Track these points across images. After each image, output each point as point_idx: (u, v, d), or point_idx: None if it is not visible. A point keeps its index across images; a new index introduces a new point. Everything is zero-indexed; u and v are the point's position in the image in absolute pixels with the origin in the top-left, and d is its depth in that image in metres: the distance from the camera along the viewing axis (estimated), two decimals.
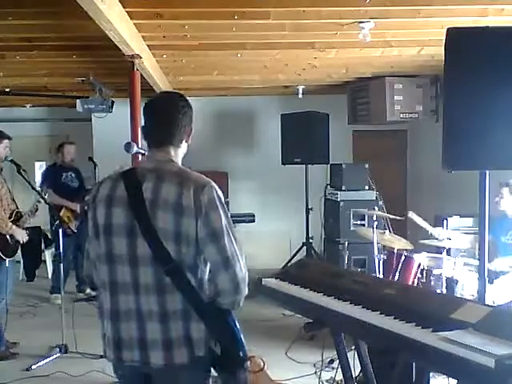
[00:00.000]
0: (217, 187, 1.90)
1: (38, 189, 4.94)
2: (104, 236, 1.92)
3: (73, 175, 6.63)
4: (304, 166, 7.05)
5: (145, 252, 1.85)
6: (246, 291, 1.89)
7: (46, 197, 4.89)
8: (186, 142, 2.08)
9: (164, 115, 2.01)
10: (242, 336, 1.93)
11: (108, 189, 1.95)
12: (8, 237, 4.60)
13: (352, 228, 6.21)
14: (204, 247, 1.84)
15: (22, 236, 4.74)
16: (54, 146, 7.00)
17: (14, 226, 4.63)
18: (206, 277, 1.91)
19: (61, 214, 6.13)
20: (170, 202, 1.84)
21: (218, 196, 1.88)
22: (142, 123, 2.07)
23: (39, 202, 4.79)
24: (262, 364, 2.95)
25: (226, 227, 1.86)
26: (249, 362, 1.95)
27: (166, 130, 2.00)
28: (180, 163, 2.06)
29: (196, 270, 1.87)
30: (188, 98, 2.16)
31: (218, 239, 1.83)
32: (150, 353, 1.88)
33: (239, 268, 1.86)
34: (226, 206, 1.90)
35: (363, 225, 6.16)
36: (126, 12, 3.70)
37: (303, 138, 6.88)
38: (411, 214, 4.86)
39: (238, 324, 1.95)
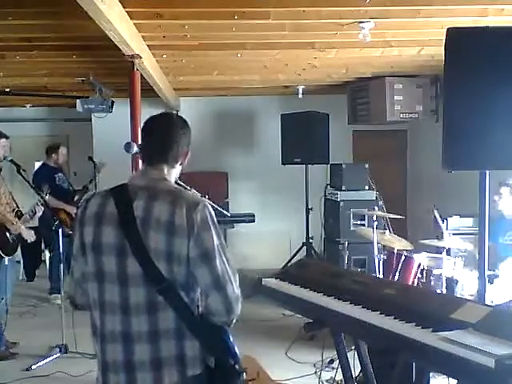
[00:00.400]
0: (210, 207, 1.87)
1: (40, 191, 4.84)
2: (92, 255, 1.86)
3: (63, 177, 6.59)
4: (304, 165, 7.05)
5: (135, 271, 1.80)
6: (238, 311, 1.86)
7: (46, 197, 4.83)
8: (181, 164, 2.03)
9: (162, 134, 1.98)
10: (236, 349, 1.92)
11: (97, 206, 1.89)
12: (8, 235, 4.60)
13: (352, 228, 6.21)
14: (195, 267, 1.80)
15: (30, 236, 4.74)
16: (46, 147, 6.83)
17: (22, 226, 4.63)
18: (198, 293, 1.88)
19: (60, 216, 6.10)
20: (162, 220, 1.79)
21: (211, 215, 1.84)
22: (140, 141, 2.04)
23: (38, 203, 4.73)
24: (256, 373, 2.95)
25: (218, 248, 1.82)
26: (244, 374, 1.91)
27: (162, 148, 1.96)
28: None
29: (188, 288, 1.84)
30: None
31: (209, 260, 1.80)
32: (137, 375, 1.82)
33: (231, 289, 1.83)
34: (218, 225, 1.86)
35: (363, 225, 6.16)
36: (126, 12, 3.70)
37: (303, 137, 6.88)
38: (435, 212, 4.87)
39: (231, 338, 1.93)
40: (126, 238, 1.81)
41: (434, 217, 4.86)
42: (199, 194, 3.21)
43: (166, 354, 1.82)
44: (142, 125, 2.04)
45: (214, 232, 1.83)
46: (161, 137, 1.98)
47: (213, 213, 1.86)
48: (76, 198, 6.48)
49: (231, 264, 1.86)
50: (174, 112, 2.08)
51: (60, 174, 6.54)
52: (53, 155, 6.58)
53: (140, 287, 1.81)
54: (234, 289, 1.84)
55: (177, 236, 1.78)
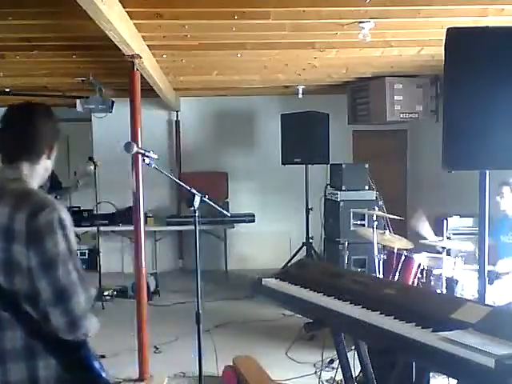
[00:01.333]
0: (62, 211, 1.67)
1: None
2: None
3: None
4: (304, 165, 7.05)
5: None
6: (87, 327, 1.66)
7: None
8: (48, 158, 1.82)
9: (20, 127, 1.79)
10: (99, 366, 1.75)
11: None
12: None
13: (352, 228, 6.21)
14: (36, 279, 1.61)
15: None
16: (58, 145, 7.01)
17: None
18: None
19: None
20: (0, 225, 1.62)
21: (60, 220, 1.64)
22: None
23: None
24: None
25: (64, 256, 1.62)
26: None
27: (19, 143, 1.77)
28: (38, 181, 1.82)
29: (36, 301, 1.63)
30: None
31: (51, 269, 1.60)
32: None
33: (76, 303, 1.62)
34: (69, 232, 1.67)
35: (363, 225, 6.17)
36: (126, 12, 3.69)
37: (303, 137, 6.89)
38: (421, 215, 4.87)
39: (92, 354, 1.74)
40: None
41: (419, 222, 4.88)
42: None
43: (17, 377, 1.65)
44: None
45: (60, 238, 1.63)
46: (18, 130, 1.79)
47: (65, 217, 1.67)
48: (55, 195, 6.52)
49: (81, 274, 1.67)
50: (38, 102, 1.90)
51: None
52: None
53: None
54: (81, 302, 1.63)
55: (15, 243, 1.61)
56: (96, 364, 1.74)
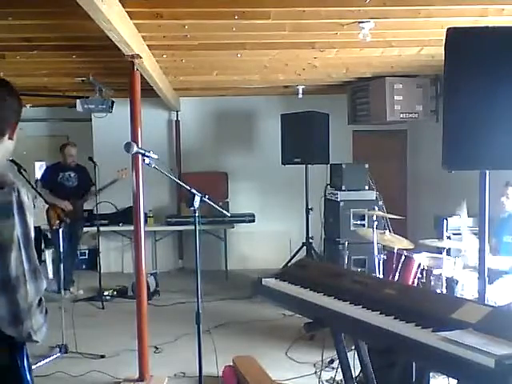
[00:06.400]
0: (23, 192, 1.55)
1: (38, 189, 4.96)
2: None
3: (71, 175, 6.74)
4: (304, 165, 7.05)
5: None
6: (34, 323, 1.54)
7: (42, 193, 4.90)
8: (10, 138, 1.69)
9: None
10: (30, 374, 1.63)
11: None
12: None
13: (352, 228, 6.21)
14: None
15: None
16: (57, 145, 7.13)
17: None
18: None
19: (51, 211, 6.22)
20: None
21: (20, 201, 1.53)
22: None
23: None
24: None
25: (20, 240, 1.51)
26: None
27: None
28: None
29: None
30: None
31: (1, 253, 1.49)
32: None
33: (23, 293, 1.50)
34: (28, 218, 1.55)
35: (363, 225, 6.17)
36: (126, 12, 3.69)
37: (303, 138, 6.89)
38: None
39: (27, 360, 1.63)
40: None
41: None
42: (201, 192, 3.21)
43: None
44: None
45: (17, 220, 1.51)
46: None
47: (26, 199, 1.55)
48: (86, 195, 6.66)
49: (34, 264, 1.55)
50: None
51: (67, 173, 6.70)
52: (61, 154, 6.78)
53: None
54: (30, 294, 1.52)
55: None
56: (27, 373, 1.62)
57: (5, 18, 3.86)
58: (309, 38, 4.75)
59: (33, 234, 1.57)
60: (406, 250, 4.80)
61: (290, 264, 6.27)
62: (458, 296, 4.07)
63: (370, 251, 5.01)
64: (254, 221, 8.05)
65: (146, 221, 6.37)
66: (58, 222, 6.30)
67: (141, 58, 4.23)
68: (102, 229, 6.96)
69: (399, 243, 4.81)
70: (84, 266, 8.24)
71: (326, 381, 4.00)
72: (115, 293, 6.79)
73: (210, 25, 4.21)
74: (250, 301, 6.14)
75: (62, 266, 4.98)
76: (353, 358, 3.03)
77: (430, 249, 4.82)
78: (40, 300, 1.58)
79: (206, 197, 3.26)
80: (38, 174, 7.94)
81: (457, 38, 2.46)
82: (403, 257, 4.74)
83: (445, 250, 4.46)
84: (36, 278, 1.55)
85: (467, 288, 4.27)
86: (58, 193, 6.47)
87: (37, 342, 1.57)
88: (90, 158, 6.43)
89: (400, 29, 4.53)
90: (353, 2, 3.82)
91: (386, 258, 4.88)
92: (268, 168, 8.21)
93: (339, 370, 3.08)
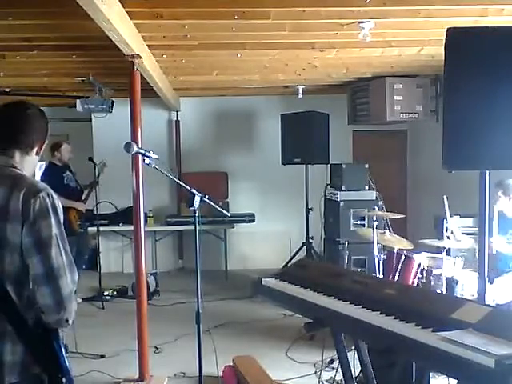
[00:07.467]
0: (54, 196, 1.79)
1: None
2: None
3: (70, 175, 6.52)
4: (304, 165, 7.05)
5: None
6: (71, 309, 1.75)
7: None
8: (37, 154, 1.94)
9: (15, 118, 1.89)
10: (67, 362, 1.81)
11: None
12: None
13: (352, 228, 6.21)
14: (28, 256, 1.70)
15: None
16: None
17: None
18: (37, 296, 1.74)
19: (69, 214, 6.09)
20: None
21: (53, 205, 1.76)
22: None
23: None
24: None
25: (57, 238, 1.73)
26: None
27: (14, 132, 1.88)
28: (29, 172, 1.91)
29: (19, 284, 1.72)
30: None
31: (43, 248, 1.70)
32: None
33: (65, 283, 1.72)
34: (60, 216, 1.78)
35: (363, 225, 6.17)
36: (126, 12, 3.69)
37: (303, 138, 6.89)
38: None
39: (64, 349, 1.82)
40: None
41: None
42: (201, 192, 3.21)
43: None
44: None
45: (53, 221, 1.74)
46: (13, 121, 1.89)
47: (57, 203, 1.78)
48: (84, 195, 6.52)
49: (69, 258, 1.77)
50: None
51: (68, 173, 6.46)
52: (56, 153, 6.43)
53: None
54: (69, 284, 1.74)
55: (10, 222, 1.69)
56: (65, 361, 1.80)
57: (5, 18, 3.86)
58: (309, 37, 4.75)
59: (65, 233, 1.78)
60: (405, 250, 4.80)
61: (290, 264, 6.27)
62: (458, 296, 4.07)
63: (370, 251, 5.01)
64: (253, 221, 8.05)
65: (146, 221, 6.37)
66: (78, 223, 6.31)
67: (141, 57, 4.23)
68: (101, 229, 6.96)
69: (399, 243, 4.81)
70: (84, 266, 8.24)
71: (326, 381, 4.00)
72: (115, 293, 6.80)
73: (209, 25, 4.21)
74: (250, 301, 6.14)
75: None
76: (353, 358, 3.03)
77: (430, 249, 4.82)
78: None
79: (206, 197, 3.26)
80: (38, 174, 7.91)
81: (457, 38, 2.46)
82: (403, 257, 4.74)
83: (445, 250, 4.47)
84: (72, 269, 1.77)
85: (467, 288, 4.27)
86: (66, 195, 6.01)
87: (68, 325, 1.77)
88: (90, 158, 6.43)
89: (400, 29, 4.53)
90: (353, 2, 3.82)
91: (385, 258, 4.88)
92: (268, 168, 8.21)
93: (339, 370, 3.08)
